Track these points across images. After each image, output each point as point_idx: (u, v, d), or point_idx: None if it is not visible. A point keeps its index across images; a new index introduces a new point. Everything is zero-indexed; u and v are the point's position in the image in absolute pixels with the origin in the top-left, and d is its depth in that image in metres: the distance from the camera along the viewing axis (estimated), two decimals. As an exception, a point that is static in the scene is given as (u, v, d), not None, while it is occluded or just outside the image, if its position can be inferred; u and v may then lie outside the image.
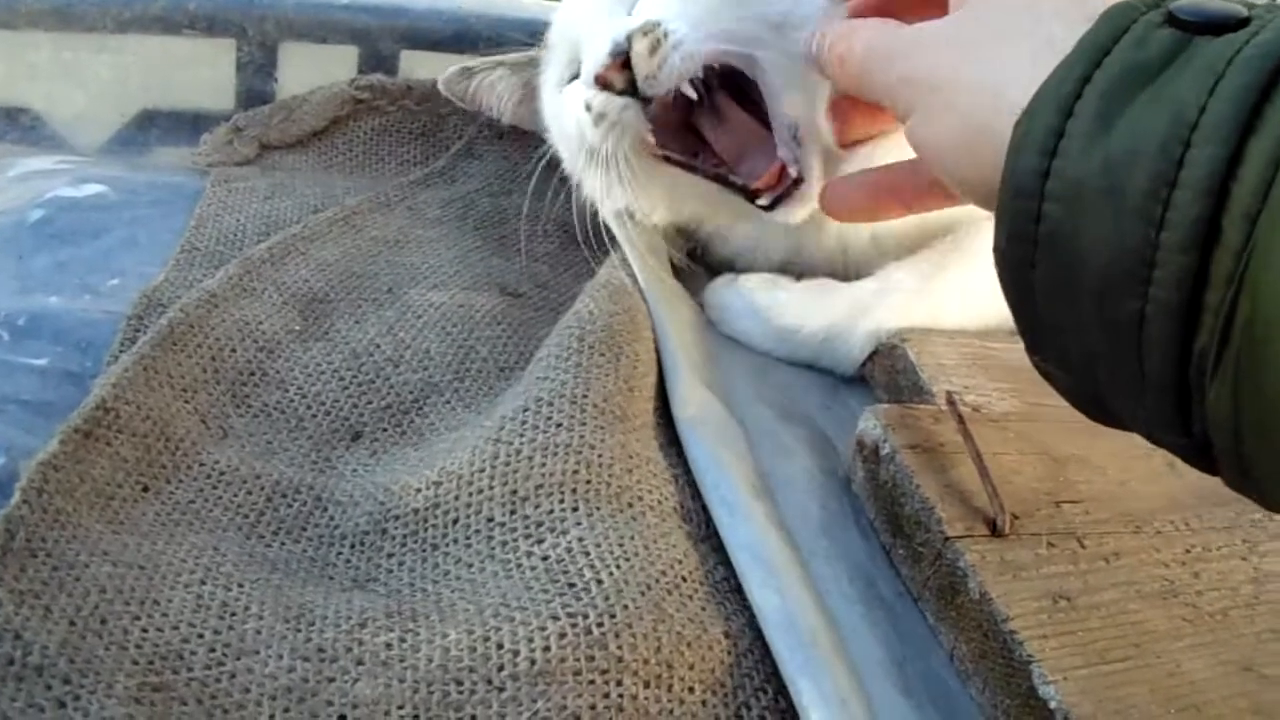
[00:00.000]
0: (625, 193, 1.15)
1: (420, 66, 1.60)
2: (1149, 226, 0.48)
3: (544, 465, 0.84)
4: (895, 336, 1.08)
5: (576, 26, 1.17)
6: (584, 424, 0.88)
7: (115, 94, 1.53)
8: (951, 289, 1.13)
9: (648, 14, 1.06)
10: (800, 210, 1.07)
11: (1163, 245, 0.48)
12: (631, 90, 1.06)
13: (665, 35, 1.03)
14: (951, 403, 0.96)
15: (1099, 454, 0.98)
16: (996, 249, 0.59)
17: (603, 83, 1.06)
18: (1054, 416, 1.01)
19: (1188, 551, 0.90)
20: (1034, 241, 0.55)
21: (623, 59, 1.04)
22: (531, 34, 1.53)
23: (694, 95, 1.06)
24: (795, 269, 1.23)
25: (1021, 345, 1.07)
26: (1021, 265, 0.57)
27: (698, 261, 1.28)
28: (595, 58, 1.07)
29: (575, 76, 1.16)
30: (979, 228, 1.16)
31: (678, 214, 1.23)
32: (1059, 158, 0.53)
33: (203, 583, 0.75)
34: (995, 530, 0.85)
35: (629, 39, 1.04)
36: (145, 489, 0.83)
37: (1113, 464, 0.97)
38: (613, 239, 1.19)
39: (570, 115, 1.15)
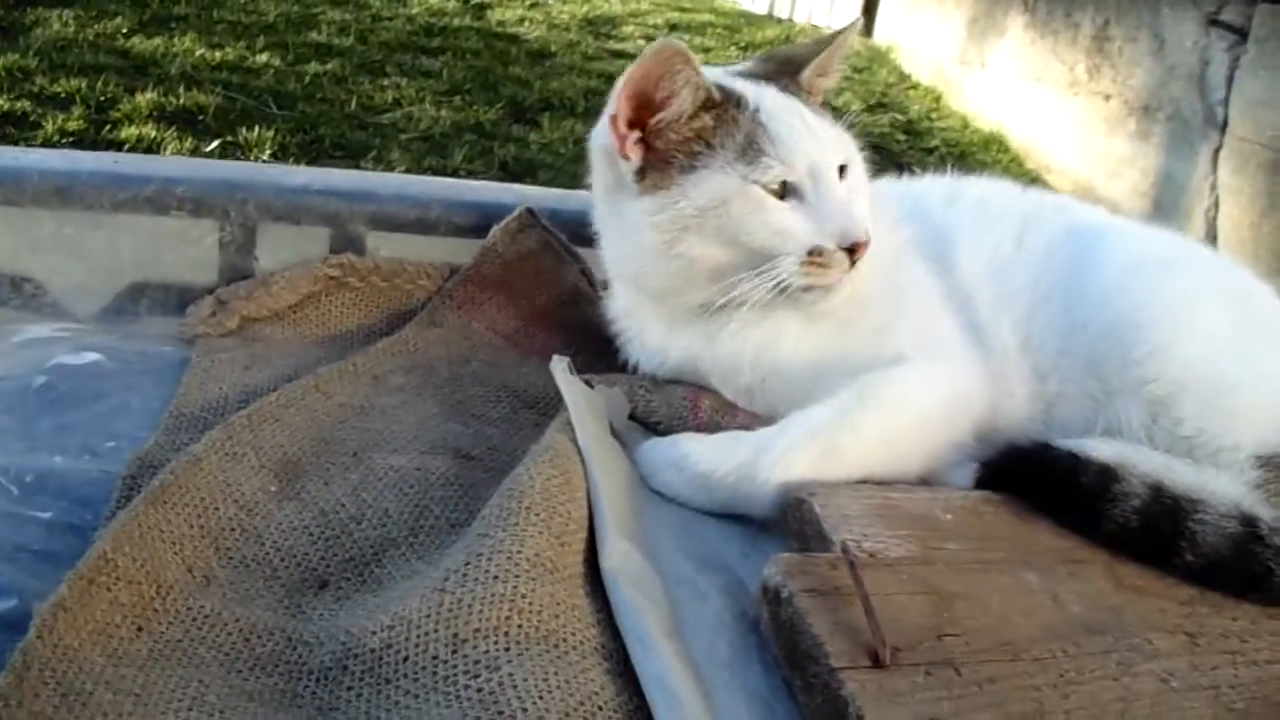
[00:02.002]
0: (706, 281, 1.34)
1: (386, 246, 1.74)
2: None
3: (482, 612, 0.97)
4: (804, 490, 1.19)
5: (801, 148, 1.32)
6: (518, 576, 1.01)
7: (110, 267, 1.66)
8: (847, 434, 1.26)
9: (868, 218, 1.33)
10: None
11: None
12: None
13: None
14: (845, 550, 1.08)
15: (985, 591, 1.09)
16: None
17: (853, 252, 1.30)
18: (947, 559, 1.13)
19: (1061, 676, 1.00)
20: None
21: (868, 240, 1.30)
22: (486, 216, 1.68)
23: None
24: (686, 378, 1.43)
25: (924, 495, 1.21)
26: None
27: (634, 419, 1.41)
28: (857, 225, 1.30)
29: (785, 189, 1.32)
30: (882, 378, 1.30)
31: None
32: None
33: (190, 709, 0.88)
34: (877, 661, 0.96)
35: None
36: (140, 629, 0.96)
37: (997, 600, 1.08)
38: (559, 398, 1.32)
39: (775, 225, 1.30)
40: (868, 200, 1.37)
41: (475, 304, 1.64)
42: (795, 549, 1.17)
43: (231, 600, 1.03)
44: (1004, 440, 1.36)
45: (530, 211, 1.71)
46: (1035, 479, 1.28)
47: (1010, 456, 1.31)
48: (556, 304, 1.58)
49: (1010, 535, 1.21)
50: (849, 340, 1.36)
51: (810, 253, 1.29)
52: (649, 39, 6.60)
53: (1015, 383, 1.41)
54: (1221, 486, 1.24)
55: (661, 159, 1.33)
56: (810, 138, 1.32)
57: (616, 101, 1.30)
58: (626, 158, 1.34)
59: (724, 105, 1.32)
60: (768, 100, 1.34)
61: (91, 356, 1.44)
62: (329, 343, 1.59)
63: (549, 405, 1.44)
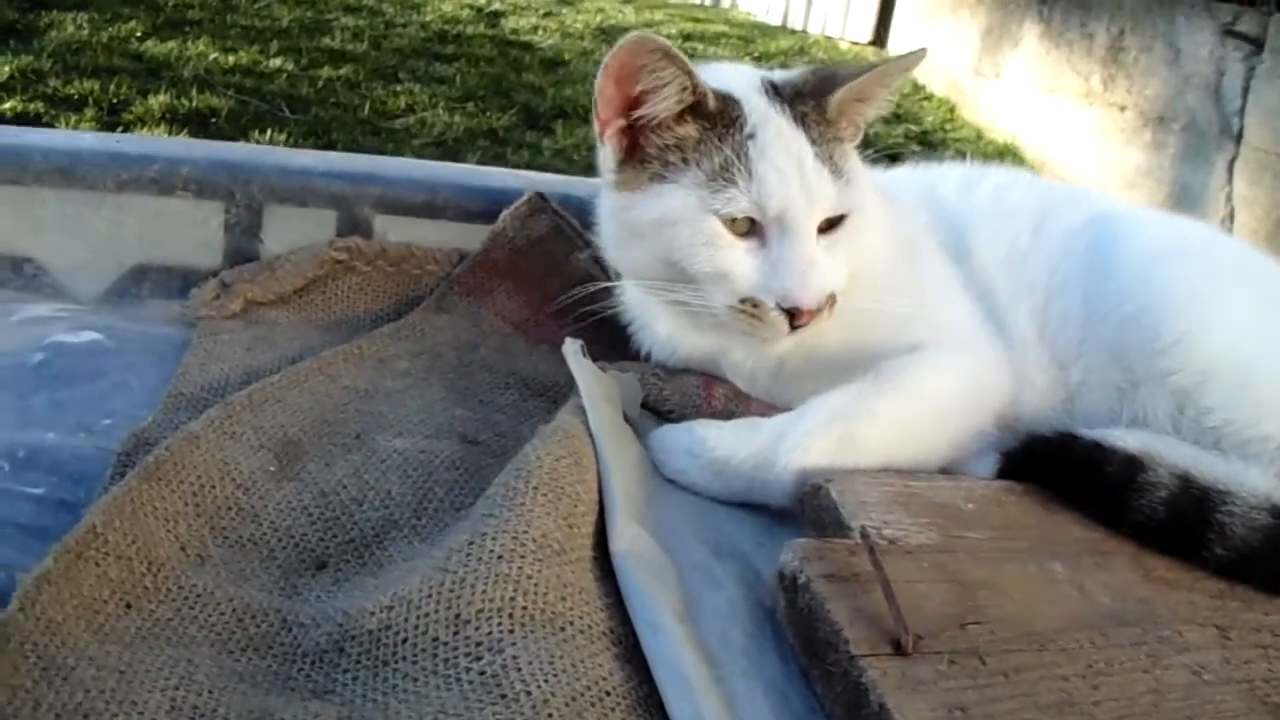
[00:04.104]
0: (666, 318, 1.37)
1: (393, 229, 1.71)
2: None
3: (485, 592, 0.94)
4: (821, 477, 1.17)
5: (779, 193, 1.24)
6: (523, 557, 0.97)
7: (112, 248, 1.63)
8: (866, 421, 1.23)
9: (838, 282, 1.27)
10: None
11: None
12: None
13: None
14: (865, 535, 1.05)
15: (1009, 580, 1.07)
16: None
17: (795, 317, 1.24)
18: (968, 548, 1.11)
19: (1089, 667, 0.98)
20: None
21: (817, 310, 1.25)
22: (495, 202, 1.65)
23: None
24: (697, 367, 1.40)
25: (946, 484, 1.19)
26: None
27: (647, 407, 1.38)
28: (807, 291, 1.23)
29: (751, 226, 1.26)
30: (900, 364, 1.28)
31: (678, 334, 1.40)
32: None
33: (177, 688, 0.84)
34: (899, 649, 0.93)
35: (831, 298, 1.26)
36: (129, 606, 0.92)
37: (1022, 589, 1.06)
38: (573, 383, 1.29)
39: (717, 263, 1.25)
40: (855, 258, 1.31)
41: (484, 290, 1.61)
42: (812, 536, 1.14)
43: (225, 580, 1.00)
44: (1026, 430, 1.34)
45: (540, 196, 1.68)
46: (1059, 469, 1.26)
47: (1033, 446, 1.29)
48: (567, 290, 1.54)
49: (1034, 525, 1.19)
50: (866, 329, 1.32)
51: (743, 300, 1.25)
52: (663, 49, 6.60)
53: (1035, 371, 1.39)
54: (1251, 478, 1.22)
55: (639, 160, 1.29)
56: (797, 184, 1.24)
57: (598, 86, 1.26)
58: (604, 145, 1.31)
59: (715, 117, 1.27)
60: (768, 128, 1.27)
61: (91, 335, 1.41)
62: (334, 327, 1.56)
63: (558, 393, 1.41)
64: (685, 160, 1.26)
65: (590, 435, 1.18)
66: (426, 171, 1.77)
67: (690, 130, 1.26)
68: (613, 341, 1.44)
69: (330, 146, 4.35)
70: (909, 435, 1.27)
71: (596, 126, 1.30)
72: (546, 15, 7.22)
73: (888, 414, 1.25)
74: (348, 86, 5.10)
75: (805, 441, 1.21)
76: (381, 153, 4.36)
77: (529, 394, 1.42)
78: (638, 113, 1.27)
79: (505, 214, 1.66)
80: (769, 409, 1.33)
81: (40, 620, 0.84)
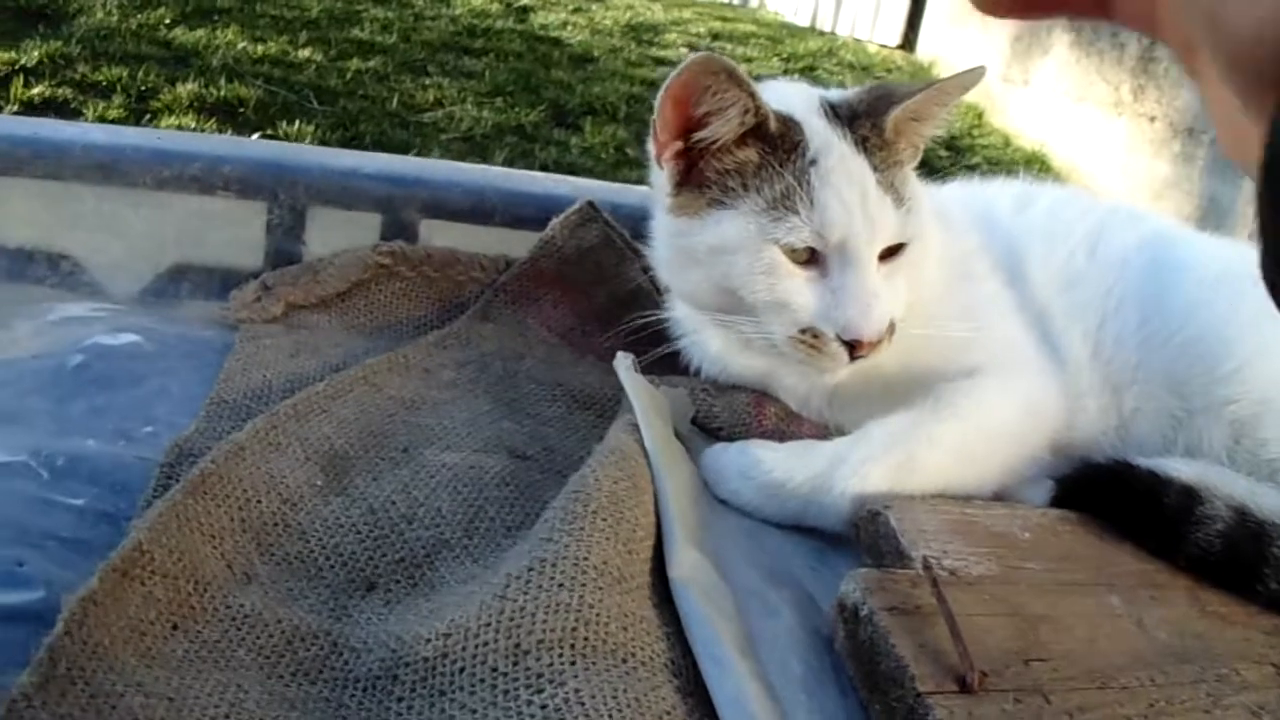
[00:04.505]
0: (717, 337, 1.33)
1: (439, 234, 1.67)
2: None
3: (546, 622, 0.90)
4: (879, 504, 1.14)
5: (841, 222, 1.20)
6: (584, 585, 0.94)
7: (151, 247, 1.60)
8: (925, 446, 1.21)
9: (898, 311, 1.24)
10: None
11: None
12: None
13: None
14: (928, 567, 1.02)
15: (1069, 614, 1.04)
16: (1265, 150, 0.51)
17: (855, 348, 1.21)
18: (1029, 579, 1.08)
19: (1151, 706, 0.95)
20: None
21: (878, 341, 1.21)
22: (544, 209, 1.62)
23: None
24: (748, 385, 1.37)
25: (1002, 512, 1.16)
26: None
27: (695, 424, 1.34)
28: (869, 323, 1.20)
29: (812, 255, 1.22)
30: (959, 389, 1.25)
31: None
32: None
33: (226, 717, 0.81)
34: (964, 687, 0.90)
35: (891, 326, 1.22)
36: (175, 627, 0.89)
37: (1082, 624, 1.03)
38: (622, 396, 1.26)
39: (778, 293, 1.22)
40: (915, 285, 1.28)
41: (530, 299, 1.58)
42: (868, 564, 1.12)
43: (273, 600, 0.96)
44: (1078, 456, 1.31)
45: (592, 205, 1.64)
46: (1115, 498, 1.22)
47: (1088, 474, 1.26)
48: (616, 303, 1.51)
49: (1090, 556, 1.16)
50: (923, 353, 1.29)
51: (803, 331, 1.22)
52: (692, 47, 6.64)
53: (1088, 396, 1.36)
54: (1306, 513, 1.18)
55: (698, 183, 1.25)
56: (859, 213, 1.20)
57: (657, 107, 1.22)
58: (662, 167, 1.27)
59: (777, 140, 1.23)
60: (830, 154, 1.23)
61: (130, 338, 1.37)
62: (378, 333, 1.53)
63: (605, 406, 1.38)
64: (745, 186, 1.22)
65: (645, 455, 1.14)
66: (474, 176, 1.73)
67: (751, 155, 1.23)
68: (662, 356, 1.40)
69: (358, 139, 4.36)
70: (967, 461, 1.24)
71: (653, 149, 1.27)
72: (576, 11, 7.21)
73: (947, 439, 1.22)
74: (376, 79, 5.10)
75: (864, 467, 1.18)
76: (409, 146, 4.36)
77: (576, 406, 1.39)
78: (697, 135, 1.23)
79: (555, 222, 1.62)
80: (822, 430, 1.31)
81: (87, 645, 0.81)
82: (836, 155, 1.22)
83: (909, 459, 1.20)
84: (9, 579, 0.93)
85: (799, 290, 1.21)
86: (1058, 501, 1.25)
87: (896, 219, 1.23)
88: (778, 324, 1.23)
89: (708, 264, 1.25)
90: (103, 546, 0.93)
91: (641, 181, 1.71)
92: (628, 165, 4.73)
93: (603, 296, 1.57)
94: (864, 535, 1.15)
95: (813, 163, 1.22)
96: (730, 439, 1.31)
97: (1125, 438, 1.35)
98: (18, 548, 0.97)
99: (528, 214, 1.66)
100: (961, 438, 1.23)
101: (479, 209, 1.69)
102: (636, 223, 1.55)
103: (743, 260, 1.22)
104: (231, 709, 0.82)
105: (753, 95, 1.19)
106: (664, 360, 1.39)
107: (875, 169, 1.23)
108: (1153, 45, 5.52)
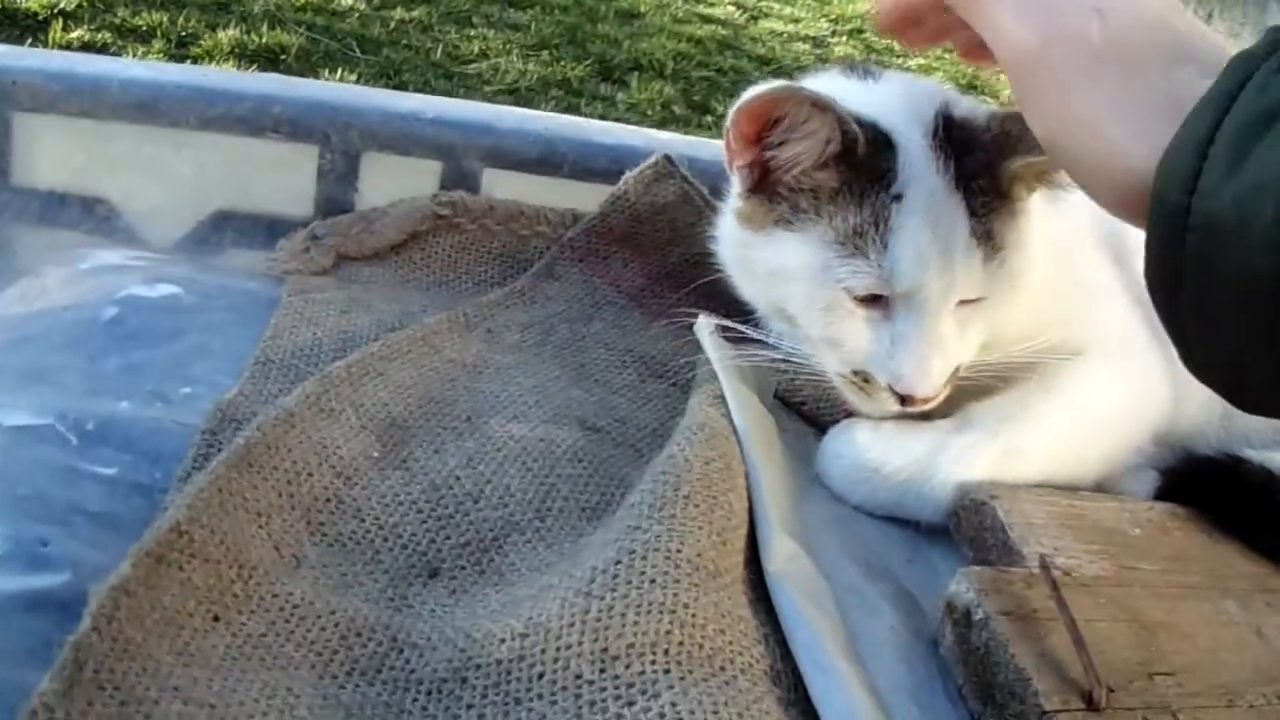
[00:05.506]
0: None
1: (502, 185, 1.56)
2: (1275, 253, 0.56)
3: (637, 623, 0.80)
4: (983, 492, 1.06)
5: (911, 274, 1.05)
6: (678, 581, 0.83)
7: (192, 192, 1.50)
8: (1032, 431, 1.12)
9: (965, 357, 1.12)
10: None
11: None
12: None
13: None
14: (1046, 568, 0.93)
15: (1187, 621, 0.95)
16: (1147, 273, 0.67)
17: (907, 400, 1.09)
18: (1142, 581, 0.99)
19: None
20: (1179, 268, 0.63)
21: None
22: (616, 160, 1.50)
23: None
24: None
25: (1110, 505, 1.07)
26: (1170, 288, 0.65)
27: (777, 398, 1.25)
28: (924, 381, 1.07)
29: (877, 296, 1.08)
30: (1065, 370, 1.15)
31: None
32: (1198, 195, 0.60)
33: (277, 726, 0.71)
34: (1091, 704, 0.82)
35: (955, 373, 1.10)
36: (216, 619, 0.78)
37: (1201, 632, 0.95)
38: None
39: (834, 332, 1.10)
40: (996, 327, 1.14)
41: (599, 257, 1.47)
42: (970, 559, 1.04)
43: (325, 588, 0.86)
44: (1180, 447, 1.23)
45: (668, 159, 1.51)
46: (1225, 494, 1.15)
47: (1195, 467, 1.19)
48: (690, 263, 1.39)
49: (1203, 557, 1.07)
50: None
51: (855, 372, 1.11)
52: (739, 6, 6.50)
53: (1193, 382, 1.24)
54: None
55: (769, 195, 1.12)
56: (936, 266, 1.04)
57: (729, 120, 1.07)
58: (732, 174, 1.15)
59: (861, 166, 1.06)
60: (919, 191, 1.05)
61: (168, 289, 1.26)
62: (435, 289, 1.42)
63: (678, 374, 1.27)
64: (818, 211, 1.08)
65: (735, 431, 1.04)
66: (542, 123, 1.61)
67: (830, 178, 1.07)
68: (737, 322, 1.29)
69: (401, 89, 4.26)
70: (1073, 447, 1.15)
71: (725, 155, 1.13)
72: (622, -35, 7.10)
73: (1054, 424, 1.13)
74: (420, 29, 5.03)
75: (969, 453, 1.10)
76: (452, 98, 4.27)
77: (647, 374, 1.28)
78: (773, 153, 1.08)
79: (628, 176, 1.50)
80: None
81: (118, 641, 0.70)
82: (926, 193, 1.06)
83: (1015, 445, 1.11)
84: (32, 560, 0.82)
85: (857, 332, 1.09)
86: (1161, 494, 1.17)
87: (983, 274, 1.08)
88: (829, 359, 1.13)
89: (766, 282, 1.15)
90: (135, 523, 0.84)
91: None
92: (674, 123, 4.66)
93: (676, 257, 1.46)
94: (965, 526, 1.06)
95: (896, 198, 1.06)
96: (814, 414, 1.23)
97: (1230, 428, 1.26)
98: (42, 525, 0.86)
99: (599, 166, 1.55)
100: (1069, 423, 1.15)
101: (547, 159, 1.57)
102: (714, 178, 1.44)
103: (800, 290, 1.10)
104: (281, 716, 0.72)
105: (841, 121, 1.03)
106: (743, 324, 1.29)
107: (973, 214, 1.07)
108: (1210, 18, 5.41)
